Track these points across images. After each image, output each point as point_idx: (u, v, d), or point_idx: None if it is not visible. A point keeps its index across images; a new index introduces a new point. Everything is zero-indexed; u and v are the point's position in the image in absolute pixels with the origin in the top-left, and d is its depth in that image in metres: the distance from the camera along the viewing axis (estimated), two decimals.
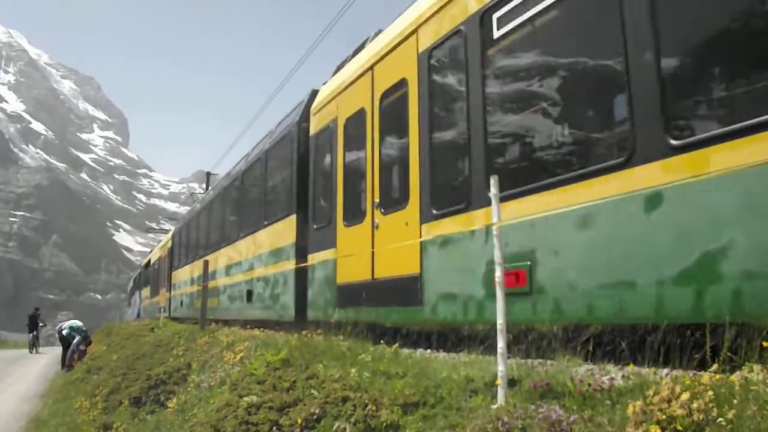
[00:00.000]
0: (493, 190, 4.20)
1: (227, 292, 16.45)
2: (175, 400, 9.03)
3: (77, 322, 24.51)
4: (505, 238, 5.11)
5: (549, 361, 4.82)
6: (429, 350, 7.08)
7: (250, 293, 14.08)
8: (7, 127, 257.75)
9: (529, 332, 5.50)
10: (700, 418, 2.72)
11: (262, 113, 26.01)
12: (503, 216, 4.45)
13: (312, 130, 11.56)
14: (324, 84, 11.84)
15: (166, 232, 50.21)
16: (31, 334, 36.25)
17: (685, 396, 2.83)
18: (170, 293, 27.35)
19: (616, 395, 3.49)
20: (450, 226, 6.91)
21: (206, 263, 15.57)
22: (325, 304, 10.05)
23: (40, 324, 36.53)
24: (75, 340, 23.00)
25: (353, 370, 5.55)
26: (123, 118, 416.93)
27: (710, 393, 2.84)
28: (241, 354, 8.64)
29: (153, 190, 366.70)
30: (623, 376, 3.90)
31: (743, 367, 3.23)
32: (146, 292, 39.47)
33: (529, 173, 5.83)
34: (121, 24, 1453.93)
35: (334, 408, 4.83)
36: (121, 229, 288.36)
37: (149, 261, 39.59)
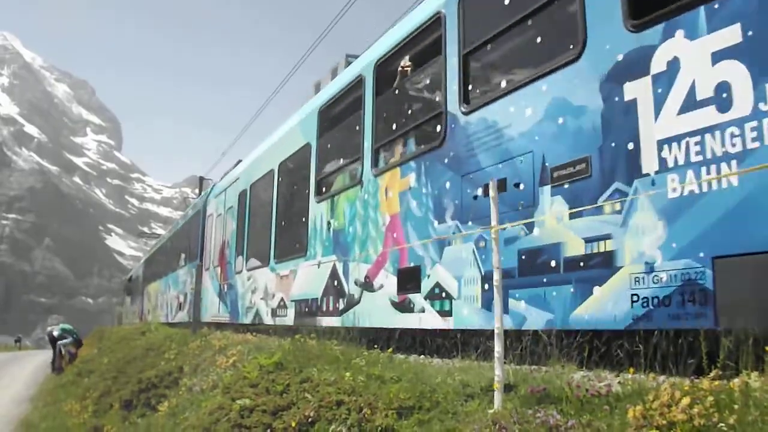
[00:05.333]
0: (492, 193, 4.19)
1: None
2: (166, 403, 8.96)
3: (68, 326, 24.46)
4: None
5: (544, 368, 4.79)
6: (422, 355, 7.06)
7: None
8: (0, 129, 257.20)
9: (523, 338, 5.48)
10: (701, 423, 2.69)
11: (255, 120, 25.88)
12: None
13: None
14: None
15: (158, 236, 49.28)
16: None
17: (686, 401, 2.80)
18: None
19: (614, 400, 3.46)
20: None
21: (199, 267, 16.30)
22: None
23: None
24: (66, 341, 22.93)
25: (347, 374, 5.50)
26: (116, 123, 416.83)
27: (710, 398, 2.82)
28: (234, 358, 8.58)
29: (145, 195, 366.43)
30: (620, 382, 3.87)
31: (741, 374, 3.20)
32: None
33: None
34: (115, 28, 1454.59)
35: (329, 411, 4.78)
36: (113, 234, 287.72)
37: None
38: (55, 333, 23.49)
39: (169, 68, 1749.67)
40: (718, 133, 3.78)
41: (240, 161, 16.48)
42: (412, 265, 7.04)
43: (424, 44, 7.55)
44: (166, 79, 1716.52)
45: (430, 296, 6.64)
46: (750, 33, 3.67)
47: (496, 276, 4.05)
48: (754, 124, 3.59)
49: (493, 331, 4.09)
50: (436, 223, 6.65)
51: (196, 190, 43.54)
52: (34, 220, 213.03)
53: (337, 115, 9.95)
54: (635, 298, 4.23)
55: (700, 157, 3.89)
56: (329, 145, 9.95)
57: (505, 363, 4.24)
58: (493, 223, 4.14)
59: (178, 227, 24.48)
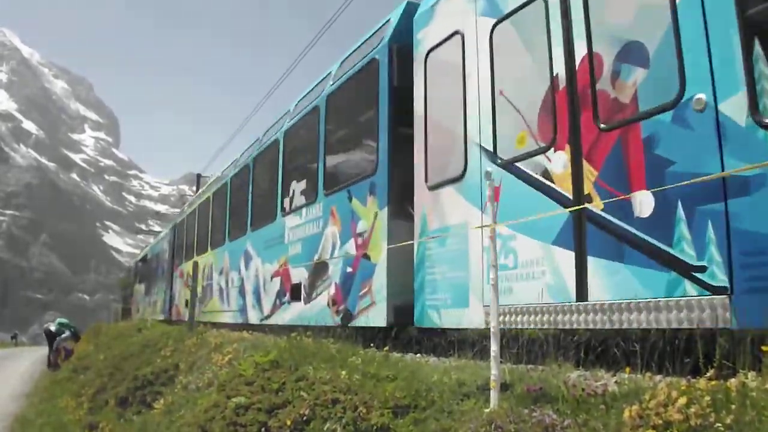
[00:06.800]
0: (488, 191, 4.16)
1: None
2: (162, 401, 8.93)
3: (65, 319, 24.48)
4: None
5: (540, 367, 4.78)
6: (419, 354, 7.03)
7: None
8: None
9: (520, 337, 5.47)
10: (698, 423, 2.67)
11: (252, 118, 25.80)
12: None
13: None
14: None
15: (156, 233, 48.71)
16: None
17: (682, 401, 2.78)
18: None
19: (610, 400, 3.45)
20: None
21: (195, 264, 16.11)
22: None
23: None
24: (63, 335, 22.90)
25: (343, 373, 5.48)
26: (114, 119, 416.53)
27: (707, 398, 2.80)
28: (230, 356, 8.55)
29: (143, 192, 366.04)
30: (616, 382, 3.85)
31: (738, 373, 3.19)
32: None
33: None
34: (114, 24, 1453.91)
35: (324, 410, 4.76)
36: (110, 230, 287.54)
37: None
38: (52, 328, 23.47)
39: (168, 65, 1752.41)
40: None
41: None
42: None
43: None
44: (165, 76, 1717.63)
45: None
46: None
47: (493, 274, 4.03)
48: None
49: None
50: None
51: (194, 187, 43.47)
52: (31, 217, 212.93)
53: None
54: None
55: None
56: None
57: (501, 362, 4.22)
58: (491, 220, 4.11)
59: (275, 138, 12.62)
